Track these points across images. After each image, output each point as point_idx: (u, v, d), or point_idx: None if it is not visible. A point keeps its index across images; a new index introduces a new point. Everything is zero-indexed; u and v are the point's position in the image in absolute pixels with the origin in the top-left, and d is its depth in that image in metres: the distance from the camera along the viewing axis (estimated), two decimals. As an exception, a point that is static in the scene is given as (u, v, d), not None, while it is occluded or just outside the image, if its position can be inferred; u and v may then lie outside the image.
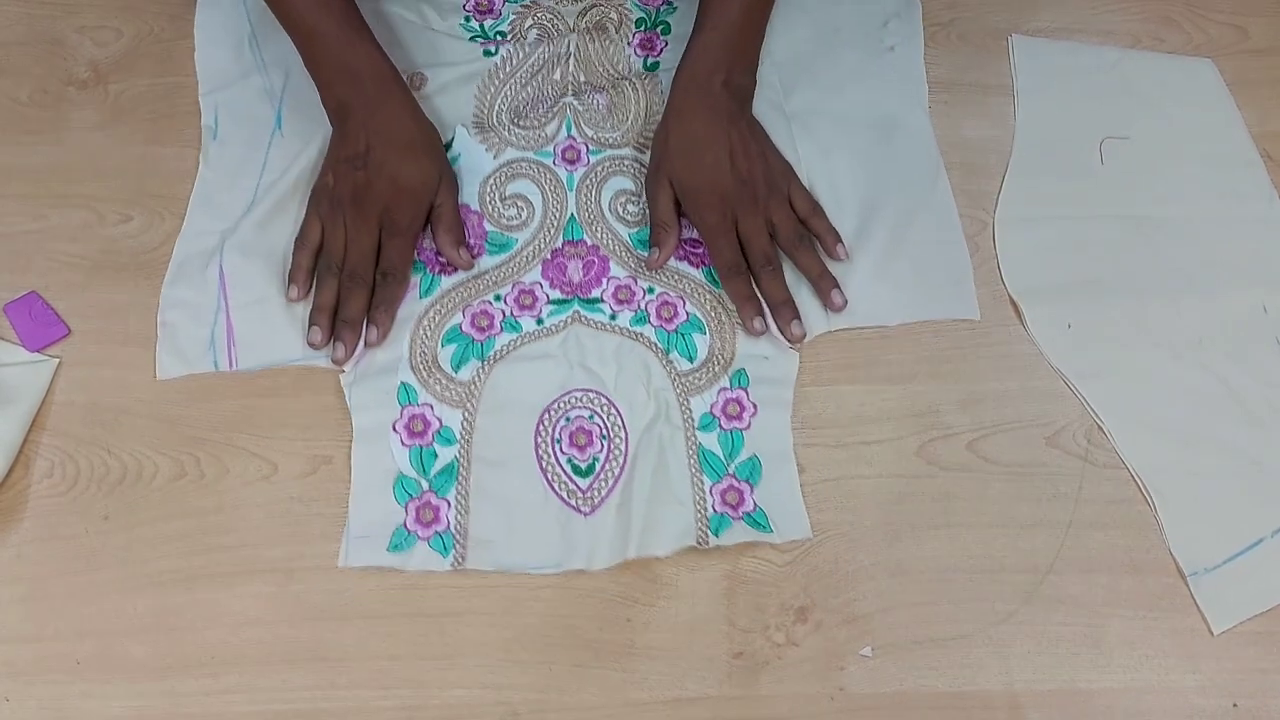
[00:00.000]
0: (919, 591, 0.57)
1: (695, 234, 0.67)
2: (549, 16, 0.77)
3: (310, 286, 0.64)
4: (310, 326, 0.63)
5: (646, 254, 0.66)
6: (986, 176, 0.72)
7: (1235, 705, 0.55)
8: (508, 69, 0.74)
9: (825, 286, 0.65)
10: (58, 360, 0.63)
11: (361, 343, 0.63)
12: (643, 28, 0.77)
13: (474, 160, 0.70)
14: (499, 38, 0.75)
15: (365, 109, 0.65)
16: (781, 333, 0.64)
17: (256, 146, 0.70)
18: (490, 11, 0.77)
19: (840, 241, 0.66)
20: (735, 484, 0.60)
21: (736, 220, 0.65)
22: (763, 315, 0.64)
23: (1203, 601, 0.57)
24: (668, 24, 0.77)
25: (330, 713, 0.54)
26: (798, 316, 0.64)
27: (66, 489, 0.59)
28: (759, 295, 0.65)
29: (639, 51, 0.76)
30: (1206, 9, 0.81)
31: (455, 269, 0.66)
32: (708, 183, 0.65)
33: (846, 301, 0.65)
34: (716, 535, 0.58)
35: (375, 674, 0.54)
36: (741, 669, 0.55)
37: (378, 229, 0.64)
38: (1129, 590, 0.58)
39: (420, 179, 0.64)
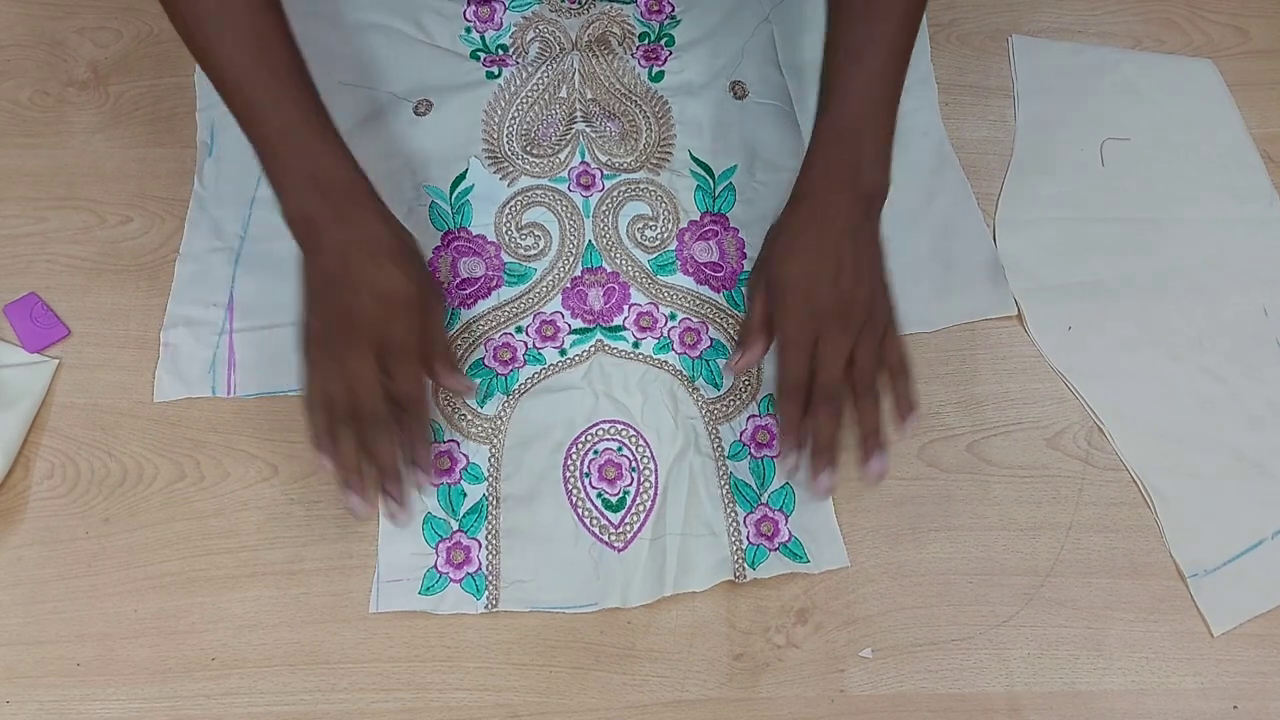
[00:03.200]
0: (919, 594, 0.57)
1: (718, 258, 0.67)
2: (551, 29, 0.76)
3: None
4: (345, 495, 0.55)
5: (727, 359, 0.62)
6: (987, 178, 0.71)
7: (1236, 707, 0.55)
8: (512, 89, 0.73)
9: (871, 447, 0.56)
10: (57, 361, 0.63)
11: (411, 489, 0.57)
12: (646, 41, 0.76)
13: (488, 189, 0.69)
14: (500, 52, 0.75)
15: (334, 220, 0.56)
16: (810, 478, 0.57)
17: (251, 164, 0.68)
18: (491, 21, 0.76)
19: (914, 415, 0.57)
20: (769, 513, 0.59)
21: (819, 338, 0.56)
22: (800, 453, 0.57)
23: (1203, 603, 0.57)
24: (671, 36, 0.76)
25: (331, 715, 0.54)
26: (834, 466, 0.56)
27: (66, 491, 0.59)
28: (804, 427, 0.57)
29: (643, 63, 0.74)
30: (1207, 10, 0.81)
31: (475, 301, 0.65)
32: (803, 290, 0.57)
33: (883, 474, 0.57)
34: (753, 568, 0.57)
35: (376, 676, 0.54)
36: (742, 671, 0.55)
37: (373, 356, 0.55)
38: (1129, 592, 0.58)
39: (406, 285, 0.56)
